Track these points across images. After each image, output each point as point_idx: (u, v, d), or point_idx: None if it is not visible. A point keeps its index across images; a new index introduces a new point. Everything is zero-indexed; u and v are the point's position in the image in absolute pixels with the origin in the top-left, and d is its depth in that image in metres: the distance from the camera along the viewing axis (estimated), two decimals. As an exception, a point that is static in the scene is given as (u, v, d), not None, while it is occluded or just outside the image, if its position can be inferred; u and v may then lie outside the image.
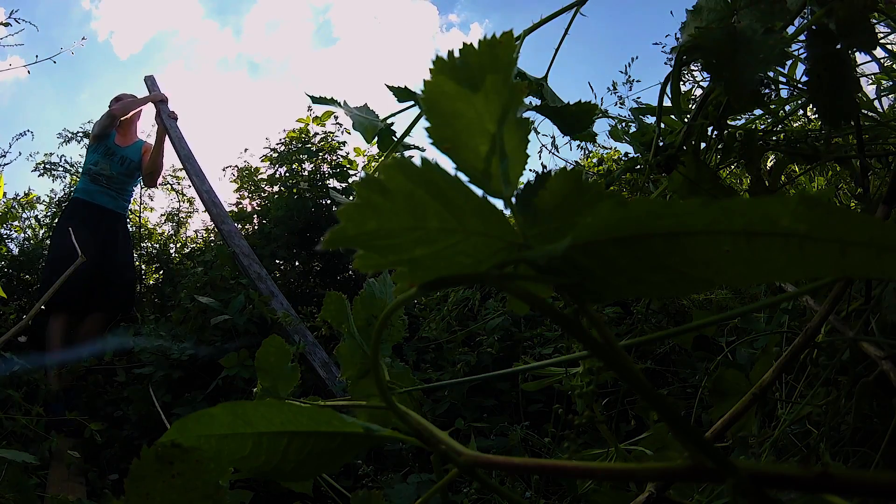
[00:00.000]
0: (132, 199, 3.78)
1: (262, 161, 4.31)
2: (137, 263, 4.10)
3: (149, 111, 3.70)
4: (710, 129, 0.90)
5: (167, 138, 3.53)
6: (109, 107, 3.62)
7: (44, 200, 5.00)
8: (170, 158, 3.97)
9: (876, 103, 1.09)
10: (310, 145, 4.14)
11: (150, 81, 3.80)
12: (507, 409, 2.25)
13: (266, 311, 2.66)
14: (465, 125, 0.28)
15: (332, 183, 4.04)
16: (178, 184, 5.16)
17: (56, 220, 4.07)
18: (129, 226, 3.79)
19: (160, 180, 3.94)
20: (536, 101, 0.84)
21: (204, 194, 3.32)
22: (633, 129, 1.08)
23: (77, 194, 3.50)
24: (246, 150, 6.17)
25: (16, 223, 4.73)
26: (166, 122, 3.52)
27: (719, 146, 0.94)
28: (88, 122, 5.18)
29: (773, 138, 1.05)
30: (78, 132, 5.10)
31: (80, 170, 5.05)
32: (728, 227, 0.22)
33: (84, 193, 3.46)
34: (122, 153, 3.52)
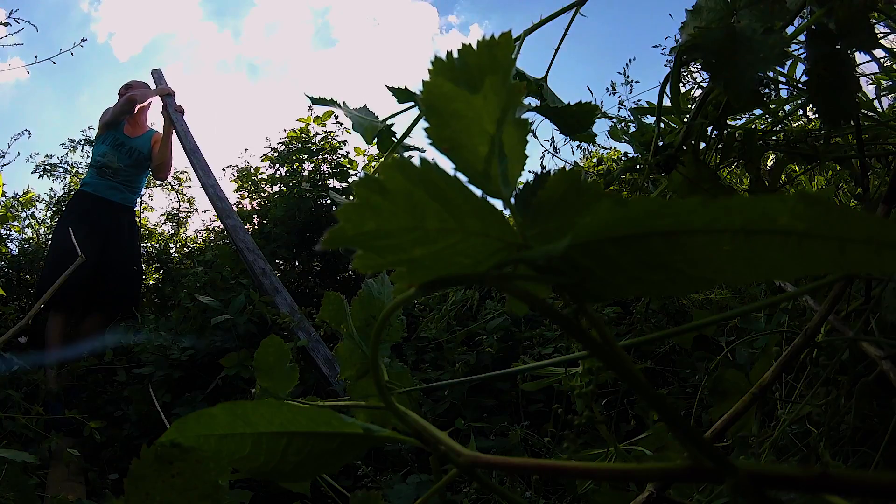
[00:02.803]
0: (142, 191, 3.73)
1: (263, 161, 4.31)
2: (137, 263, 4.08)
3: (155, 105, 3.69)
4: (709, 128, 0.90)
5: (173, 132, 3.51)
6: (119, 94, 3.57)
7: (43, 199, 5.01)
8: (175, 158, 3.95)
9: (876, 103, 1.09)
10: (310, 145, 4.13)
11: (156, 74, 3.78)
12: (507, 408, 2.25)
13: (267, 311, 2.66)
14: (463, 125, 0.28)
15: (333, 183, 4.03)
16: (179, 184, 5.17)
17: (59, 216, 4.03)
18: (136, 219, 3.75)
19: (170, 175, 3.91)
20: (536, 102, 0.84)
21: (209, 189, 3.30)
22: (632, 129, 1.08)
23: (83, 187, 3.46)
24: (246, 149, 6.18)
25: (15, 223, 4.73)
26: (173, 116, 3.50)
27: (719, 146, 0.94)
28: (90, 127, 5.19)
29: (773, 138, 1.05)
30: (82, 140, 5.13)
31: (81, 171, 5.08)
32: (727, 225, 0.22)
33: (90, 187, 3.42)
34: (131, 144, 3.48)
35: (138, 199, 3.70)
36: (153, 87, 3.70)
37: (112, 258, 3.29)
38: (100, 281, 3.21)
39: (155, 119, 3.76)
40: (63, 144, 5.09)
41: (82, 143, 5.10)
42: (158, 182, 4.94)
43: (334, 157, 4.13)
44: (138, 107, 3.51)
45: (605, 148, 3.47)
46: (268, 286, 2.80)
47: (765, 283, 1.34)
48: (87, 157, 5.13)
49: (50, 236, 4.74)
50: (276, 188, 4.28)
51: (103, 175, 3.43)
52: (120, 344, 2.80)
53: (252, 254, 2.96)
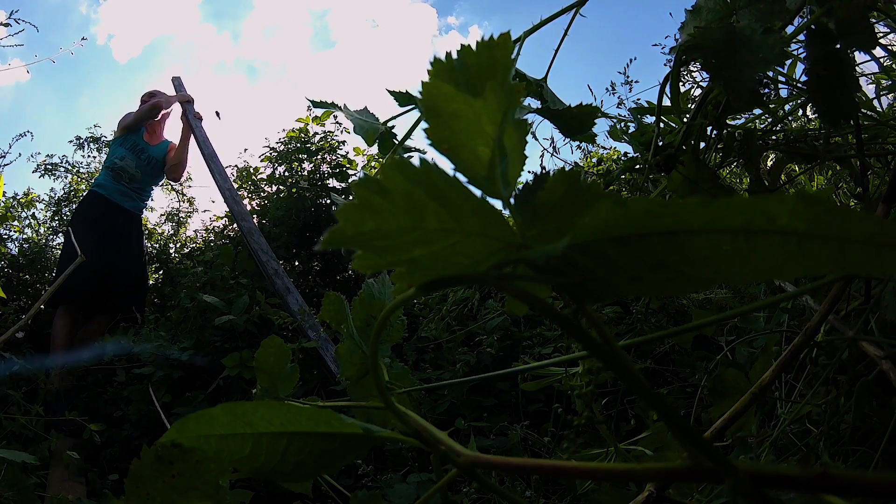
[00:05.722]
0: (149, 201, 3.77)
1: (262, 161, 4.32)
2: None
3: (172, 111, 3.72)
4: (709, 128, 0.90)
5: (192, 138, 3.56)
6: (143, 101, 3.60)
7: (43, 199, 5.01)
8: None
9: (875, 103, 1.09)
10: (309, 145, 4.13)
11: (177, 82, 3.84)
12: (506, 408, 2.25)
13: (272, 313, 2.66)
14: (463, 126, 0.28)
15: (332, 183, 4.03)
16: (180, 185, 5.18)
17: (72, 214, 4.01)
18: (143, 226, 3.78)
19: (183, 176, 3.94)
20: (536, 103, 0.83)
21: (226, 192, 3.38)
22: (632, 129, 1.08)
23: (97, 189, 3.45)
24: (245, 149, 6.20)
25: (15, 223, 4.73)
26: (192, 123, 3.55)
27: (719, 146, 0.94)
28: (96, 125, 5.22)
29: (773, 138, 1.05)
30: (88, 138, 5.14)
31: (82, 170, 5.09)
32: (727, 225, 0.22)
33: (103, 189, 3.42)
34: (149, 151, 3.50)
35: (145, 207, 3.72)
36: (175, 94, 3.73)
37: (123, 263, 3.32)
38: (110, 285, 3.23)
39: (168, 129, 3.77)
40: (71, 142, 5.12)
41: (88, 140, 5.12)
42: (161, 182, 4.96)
43: (333, 157, 4.14)
44: (161, 113, 3.55)
45: (604, 148, 3.47)
46: (280, 287, 2.83)
47: (765, 283, 1.34)
48: (90, 156, 5.15)
49: (50, 236, 4.75)
50: (275, 188, 4.28)
51: (119, 179, 3.43)
52: (122, 351, 2.80)
53: (266, 255, 3.01)
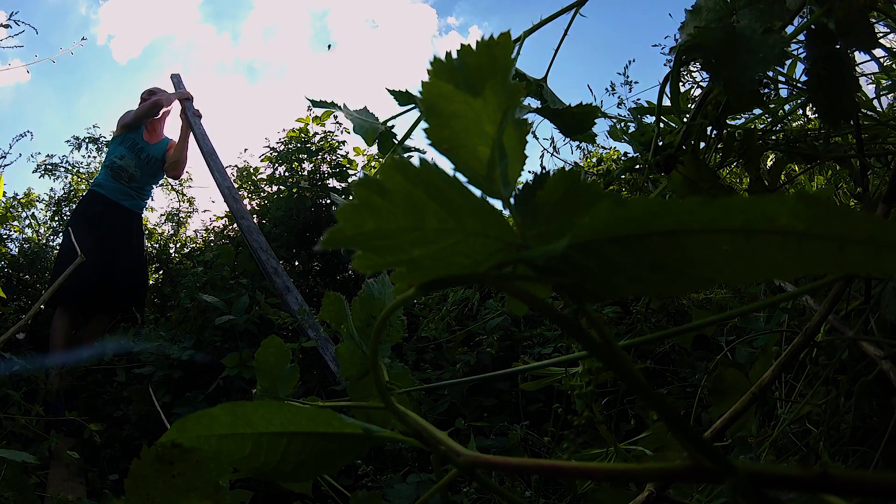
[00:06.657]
0: (149, 199, 3.75)
1: (262, 161, 4.32)
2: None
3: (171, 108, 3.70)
4: (709, 128, 0.90)
5: (191, 135, 3.54)
6: (143, 99, 3.57)
7: (43, 199, 5.01)
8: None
9: (875, 103, 1.09)
10: (309, 145, 4.13)
11: (175, 79, 3.81)
12: (506, 408, 2.25)
13: (272, 313, 2.66)
14: (463, 126, 0.28)
15: (332, 183, 4.03)
16: (180, 184, 5.18)
17: (71, 214, 3.99)
18: (143, 226, 3.77)
19: (184, 174, 3.93)
20: (536, 103, 0.83)
21: (225, 190, 3.37)
22: (632, 129, 1.08)
23: (96, 188, 3.43)
24: (245, 150, 6.20)
25: (15, 223, 4.73)
26: (191, 119, 3.53)
27: (719, 146, 0.94)
28: (94, 125, 5.21)
29: (773, 138, 1.05)
30: (86, 138, 5.14)
31: (82, 170, 5.09)
32: (727, 225, 0.22)
33: (103, 189, 3.40)
34: (149, 150, 3.48)
35: (145, 206, 3.71)
36: (174, 91, 3.71)
37: (122, 263, 3.30)
38: (109, 284, 3.21)
39: (167, 126, 3.75)
40: (68, 142, 5.11)
41: (86, 140, 5.12)
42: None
43: (334, 157, 4.14)
44: (161, 111, 3.52)
45: (604, 148, 3.47)
46: (279, 285, 2.82)
47: (765, 283, 1.34)
48: (90, 156, 5.15)
49: (51, 236, 4.75)
50: (275, 188, 4.28)
51: (118, 178, 3.41)
52: (122, 350, 2.79)
53: (265, 254, 3.00)
